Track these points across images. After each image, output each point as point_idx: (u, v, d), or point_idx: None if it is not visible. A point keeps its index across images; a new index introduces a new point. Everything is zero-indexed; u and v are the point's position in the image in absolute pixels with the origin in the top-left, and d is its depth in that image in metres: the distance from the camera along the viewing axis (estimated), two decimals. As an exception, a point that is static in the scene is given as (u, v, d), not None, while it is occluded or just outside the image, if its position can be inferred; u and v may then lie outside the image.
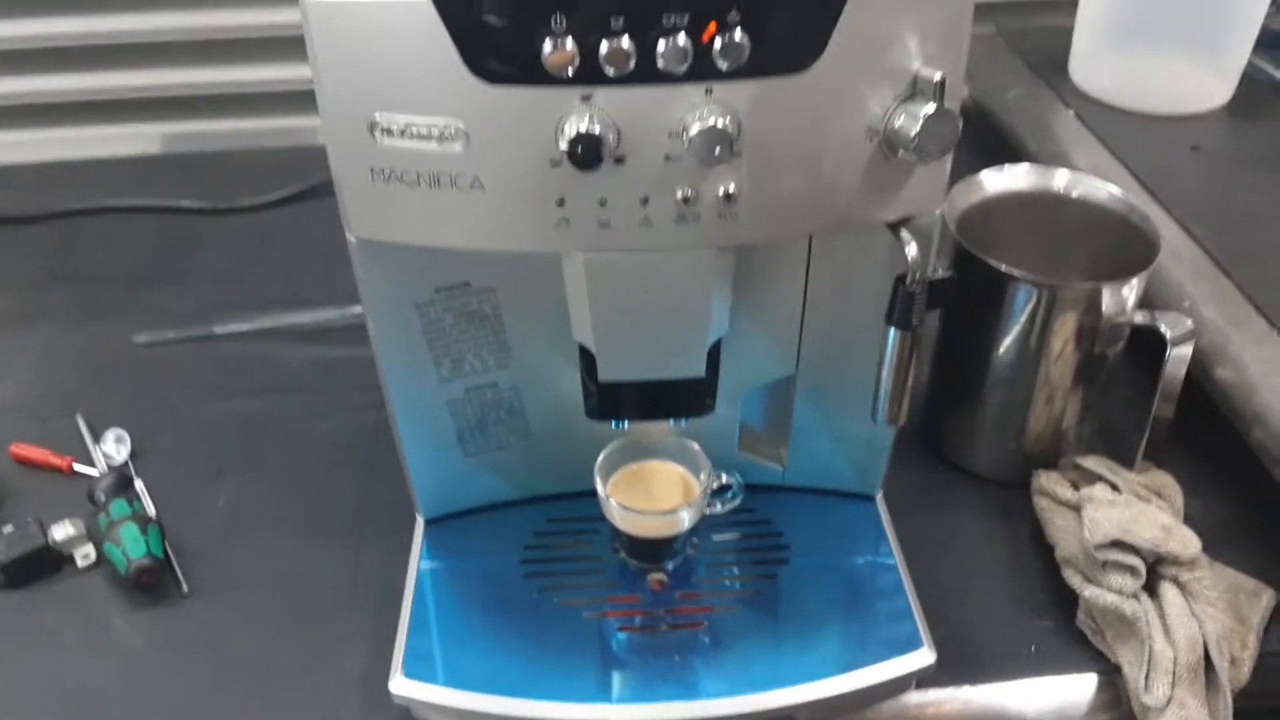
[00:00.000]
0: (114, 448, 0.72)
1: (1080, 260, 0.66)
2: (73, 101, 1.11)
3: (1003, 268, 0.60)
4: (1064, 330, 0.61)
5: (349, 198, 0.46)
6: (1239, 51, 0.89)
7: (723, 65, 0.41)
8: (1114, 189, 0.65)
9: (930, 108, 0.42)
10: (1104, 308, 0.60)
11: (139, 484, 0.69)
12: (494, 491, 0.62)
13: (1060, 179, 0.66)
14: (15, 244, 0.93)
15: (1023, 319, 0.61)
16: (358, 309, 0.85)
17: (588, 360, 0.51)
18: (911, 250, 0.47)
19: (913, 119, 0.43)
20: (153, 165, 1.05)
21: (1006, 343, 0.63)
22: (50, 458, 0.71)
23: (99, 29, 1.07)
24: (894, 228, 0.48)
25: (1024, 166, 0.67)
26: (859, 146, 0.44)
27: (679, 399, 0.52)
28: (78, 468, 0.71)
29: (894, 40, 0.42)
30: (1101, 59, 0.92)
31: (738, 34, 0.40)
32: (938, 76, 0.42)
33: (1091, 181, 0.65)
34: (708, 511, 0.59)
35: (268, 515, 0.68)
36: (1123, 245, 0.64)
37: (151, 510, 0.67)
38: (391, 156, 0.44)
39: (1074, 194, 0.65)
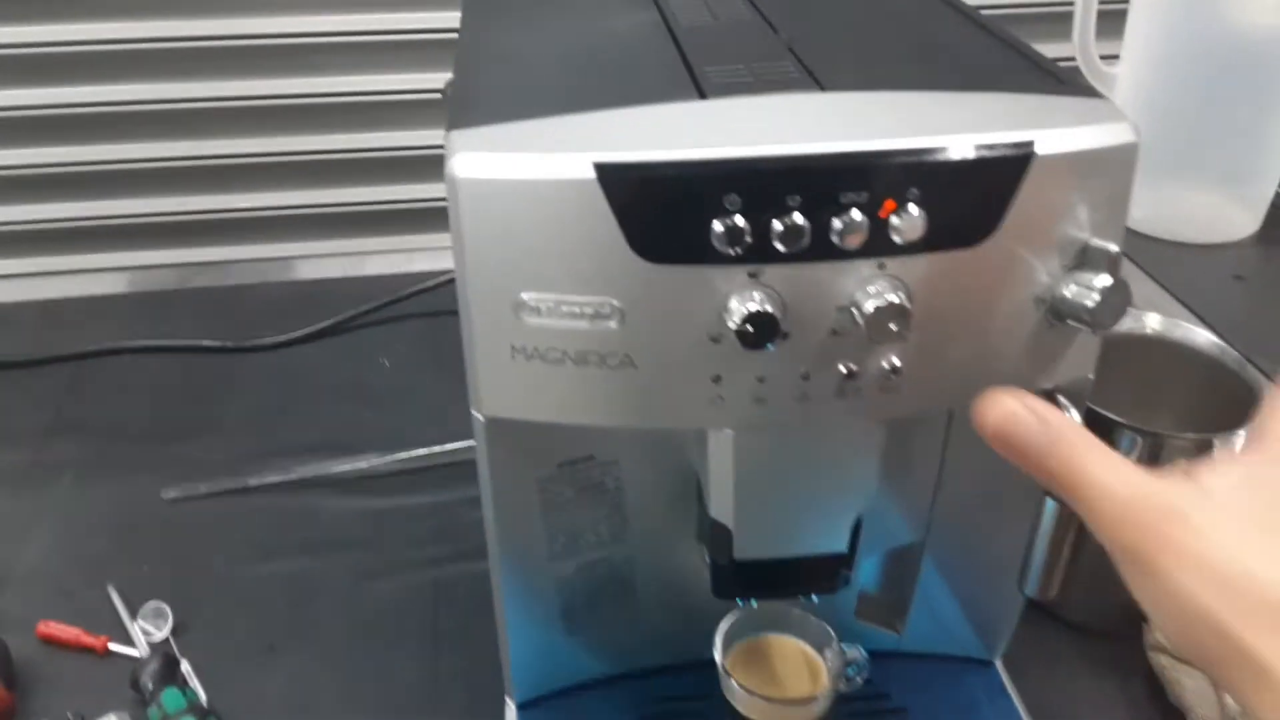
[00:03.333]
0: (154, 623, 0.66)
1: (1171, 405, 0.65)
2: (76, 229, 1.07)
3: (1109, 415, 0.58)
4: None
5: (483, 376, 0.43)
6: (1268, 182, 0.91)
7: (898, 240, 0.39)
8: (1208, 334, 0.64)
9: (1106, 280, 0.41)
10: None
11: (185, 665, 0.63)
12: (594, 668, 0.57)
13: (1152, 322, 0.65)
14: (20, 390, 0.88)
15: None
16: (400, 455, 0.83)
17: (719, 536, 0.48)
18: (1074, 419, 0.45)
19: (1086, 290, 0.41)
20: (165, 301, 1.00)
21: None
22: (83, 637, 0.65)
23: (103, 156, 1.04)
24: (1049, 394, 0.46)
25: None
26: (1026, 315, 0.42)
27: (815, 576, 0.49)
28: (114, 647, 0.65)
29: (1065, 212, 0.41)
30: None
31: (914, 210, 0.39)
32: (1113, 248, 0.41)
33: (1184, 326, 0.65)
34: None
35: (329, 697, 0.63)
36: (1212, 389, 0.63)
37: (203, 696, 0.61)
38: (536, 335, 0.41)
39: (1167, 337, 0.65)
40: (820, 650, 0.54)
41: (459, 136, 0.40)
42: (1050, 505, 0.47)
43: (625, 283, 0.39)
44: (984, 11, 0.54)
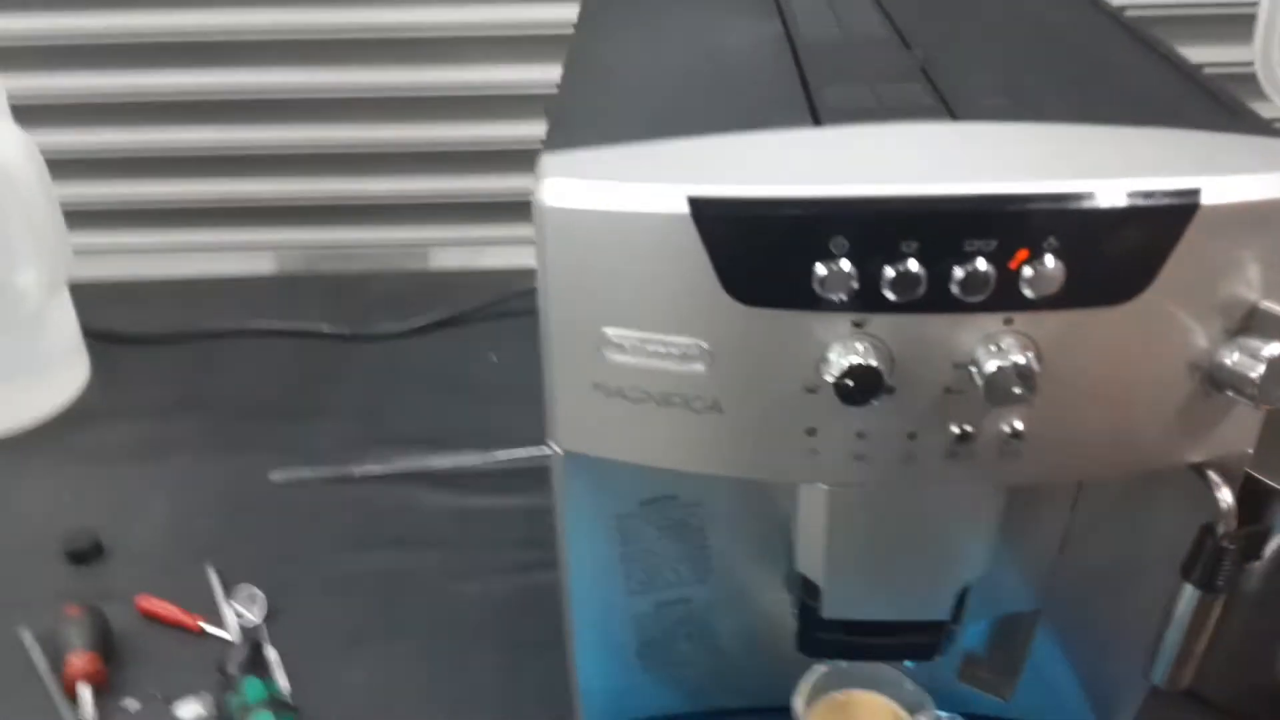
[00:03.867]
0: (247, 606, 0.67)
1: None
2: (214, 207, 1.11)
3: (1269, 482, 0.52)
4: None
5: (562, 410, 0.41)
6: None
7: (1029, 295, 0.35)
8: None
9: (1276, 349, 0.35)
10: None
11: (272, 653, 0.64)
12: (669, 704, 0.55)
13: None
14: (151, 366, 0.91)
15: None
16: (500, 454, 0.82)
17: (808, 591, 0.44)
18: (1225, 498, 0.40)
19: (1251, 359, 0.36)
20: (292, 285, 1.02)
21: (1259, 561, 0.54)
22: (179, 615, 0.67)
23: (239, 138, 1.07)
24: (1198, 468, 0.40)
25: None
26: (1177, 383, 0.37)
27: (910, 643, 0.45)
28: (207, 628, 0.66)
29: (1231, 270, 0.35)
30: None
31: (1051, 262, 0.34)
32: (1286, 313, 0.35)
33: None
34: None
35: (408, 699, 0.62)
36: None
37: (285, 685, 0.62)
38: (619, 373, 0.38)
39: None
40: (913, 714, 0.50)
41: (550, 160, 0.38)
42: (1189, 591, 0.42)
43: (715, 325, 0.36)
44: (1150, 11, 0.47)
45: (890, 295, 0.35)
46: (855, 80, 0.42)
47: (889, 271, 0.34)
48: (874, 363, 0.35)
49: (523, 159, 1.11)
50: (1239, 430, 0.40)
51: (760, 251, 0.35)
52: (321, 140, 1.08)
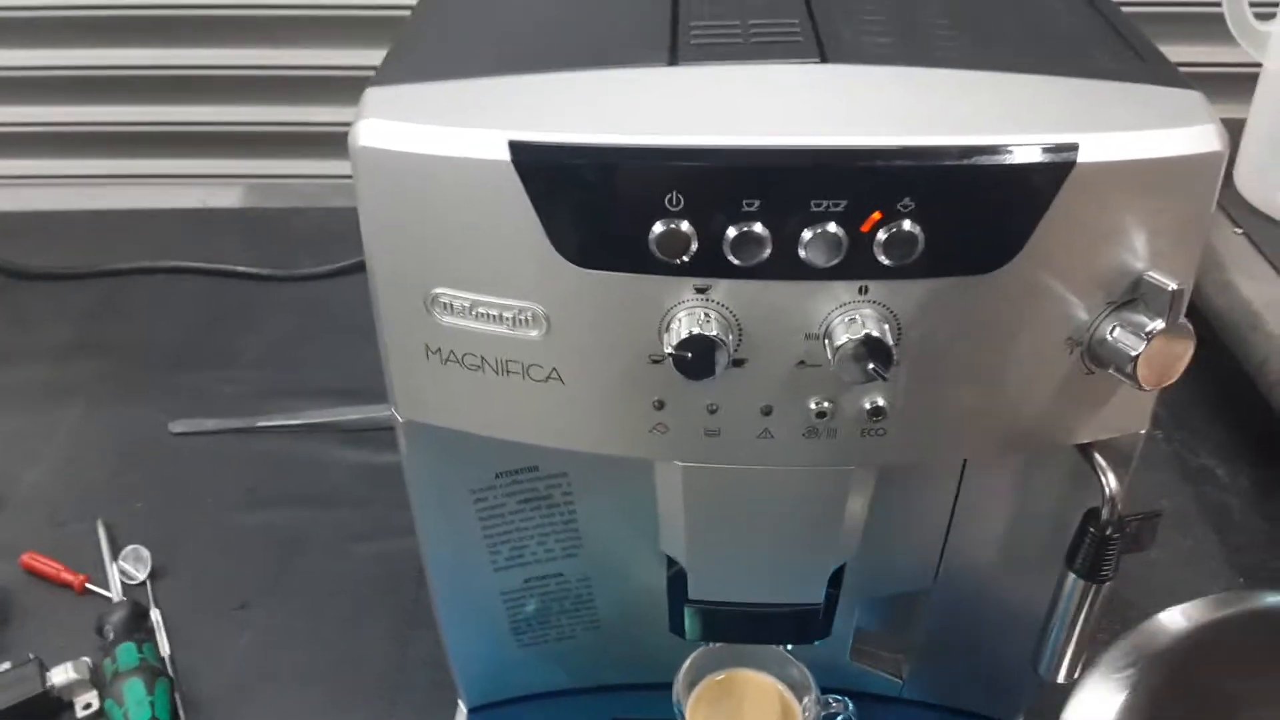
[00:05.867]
0: (132, 565, 0.64)
1: None
2: (132, 133, 1.05)
3: None
4: None
5: (398, 375, 0.37)
6: None
7: (885, 261, 0.31)
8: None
9: (1159, 324, 0.32)
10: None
11: (155, 615, 0.61)
12: (550, 680, 0.52)
13: None
14: (54, 302, 0.87)
15: None
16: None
17: (675, 572, 0.41)
18: (1109, 483, 0.37)
19: (1134, 335, 0.32)
20: (212, 220, 0.98)
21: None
22: (63, 573, 0.64)
23: (161, 58, 1.01)
24: (1084, 450, 0.37)
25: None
26: (1053, 359, 0.34)
27: (785, 626, 0.42)
28: (91, 586, 0.63)
29: (1114, 236, 0.32)
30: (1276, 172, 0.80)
31: (908, 225, 0.31)
32: (1172, 285, 0.32)
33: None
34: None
35: (291, 666, 0.60)
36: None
37: (165, 648, 0.59)
38: (451, 336, 0.35)
39: None
40: (799, 696, 0.48)
41: (372, 96, 0.34)
42: (1072, 581, 0.39)
43: (548, 287, 0.33)
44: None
45: (733, 259, 0.31)
46: (729, 13, 0.37)
47: (731, 232, 0.31)
48: (713, 331, 0.32)
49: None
50: (1130, 410, 0.36)
51: (591, 207, 0.31)
52: (248, 61, 1.01)
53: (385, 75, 0.35)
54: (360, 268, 0.97)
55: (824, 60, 0.34)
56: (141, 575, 0.64)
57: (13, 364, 0.80)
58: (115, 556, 0.65)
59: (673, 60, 0.34)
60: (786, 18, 0.37)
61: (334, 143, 1.15)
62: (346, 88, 1.07)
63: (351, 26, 0.99)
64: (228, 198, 1.02)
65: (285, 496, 0.70)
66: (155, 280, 0.89)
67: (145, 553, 0.65)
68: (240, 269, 0.90)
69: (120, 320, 0.85)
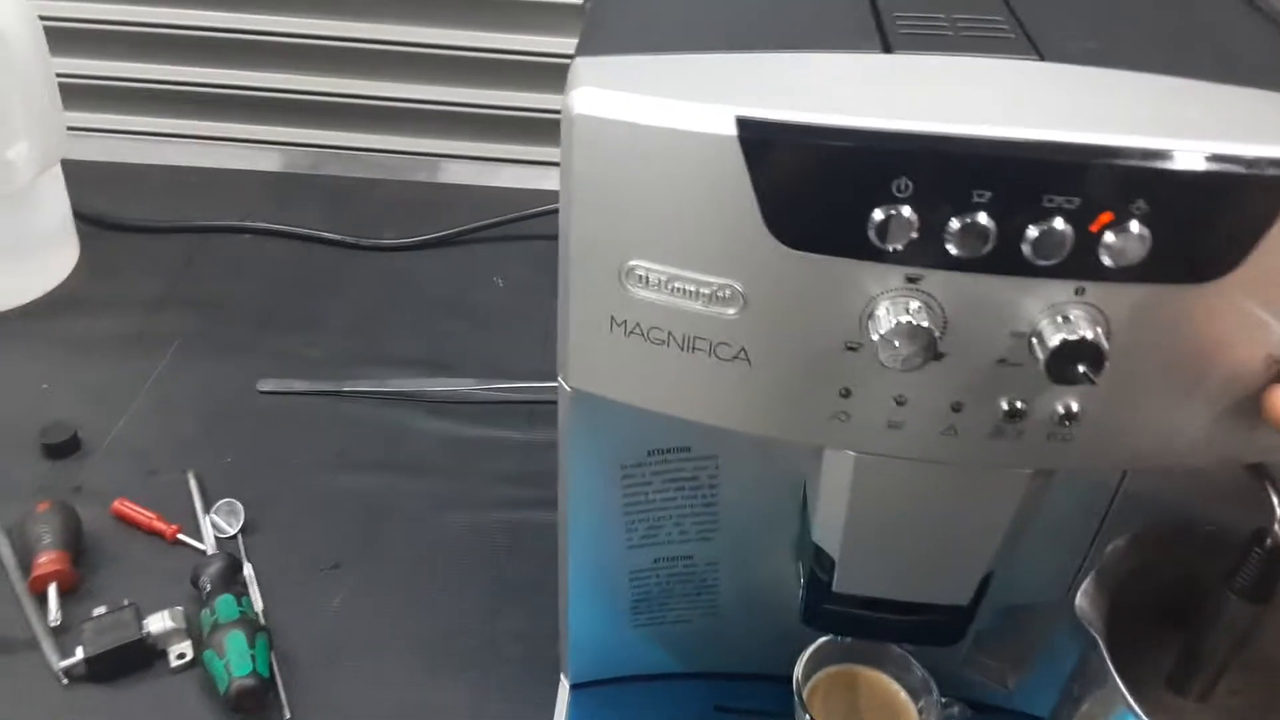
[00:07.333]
0: (225, 519, 0.64)
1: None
2: (219, 95, 1.06)
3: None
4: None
5: (575, 345, 0.37)
6: None
7: (1108, 263, 0.31)
8: None
9: (1371, 349, 0.32)
10: None
11: (248, 569, 0.62)
12: (656, 663, 0.52)
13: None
14: (142, 255, 0.87)
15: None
16: (499, 384, 0.79)
17: (821, 562, 0.41)
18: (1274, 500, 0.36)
19: (1343, 357, 0.32)
20: (294, 185, 0.97)
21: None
22: (155, 522, 0.64)
23: (251, 23, 1.01)
24: (1254, 467, 0.37)
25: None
26: (1250, 375, 0.34)
27: (925, 626, 0.42)
28: (183, 537, 0.63)
29: (1337, 253, 0.32)
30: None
31: (1136, 227, 0.30)
32: (1392, 308, 0.31)
33: None
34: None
35: (384, 629, 0.60)
36: None
37: (259, 605, 0.59)
38: (641, 310, 0.35)
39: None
40: (916, 697, 0.48)
41: (584, 65, 0.34)
42: (1232, 601, 0.39)
43: (753, 266, 0.33)
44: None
45: (953, 250, 0.31)
46: (930, 5, 0.37)
47: (955, 223, 0.31)
48: (925, 322, 0.32)
49: (548, 73, 1.06)
50: (1310, 430, 0.36)
51: (813, 187, 0.31)
52: (337, 33, 1.02)
53: (589, 47, 0.35)
54: (443, 243, 0.97)
55: (1042, 58, 0.34)
56: (234, 529, 0.64)
57: (102, 314, 0.80)
58: (208, 509, 0.65)
59: (887, 48, 0.34)
60: (989, 14, 0.37)
61: (414, 118, 1.15)
62: (426, 64, 1.07)
63: (433, 3, 0.99)
64: (298, 163, 1.02)
65: (374, 462, 0.70)
66: (239, 241, 0.89)
67: (239, 506, 0.65)
68: (325, 234, 0.90)
69: (206, 277, 0.85)
